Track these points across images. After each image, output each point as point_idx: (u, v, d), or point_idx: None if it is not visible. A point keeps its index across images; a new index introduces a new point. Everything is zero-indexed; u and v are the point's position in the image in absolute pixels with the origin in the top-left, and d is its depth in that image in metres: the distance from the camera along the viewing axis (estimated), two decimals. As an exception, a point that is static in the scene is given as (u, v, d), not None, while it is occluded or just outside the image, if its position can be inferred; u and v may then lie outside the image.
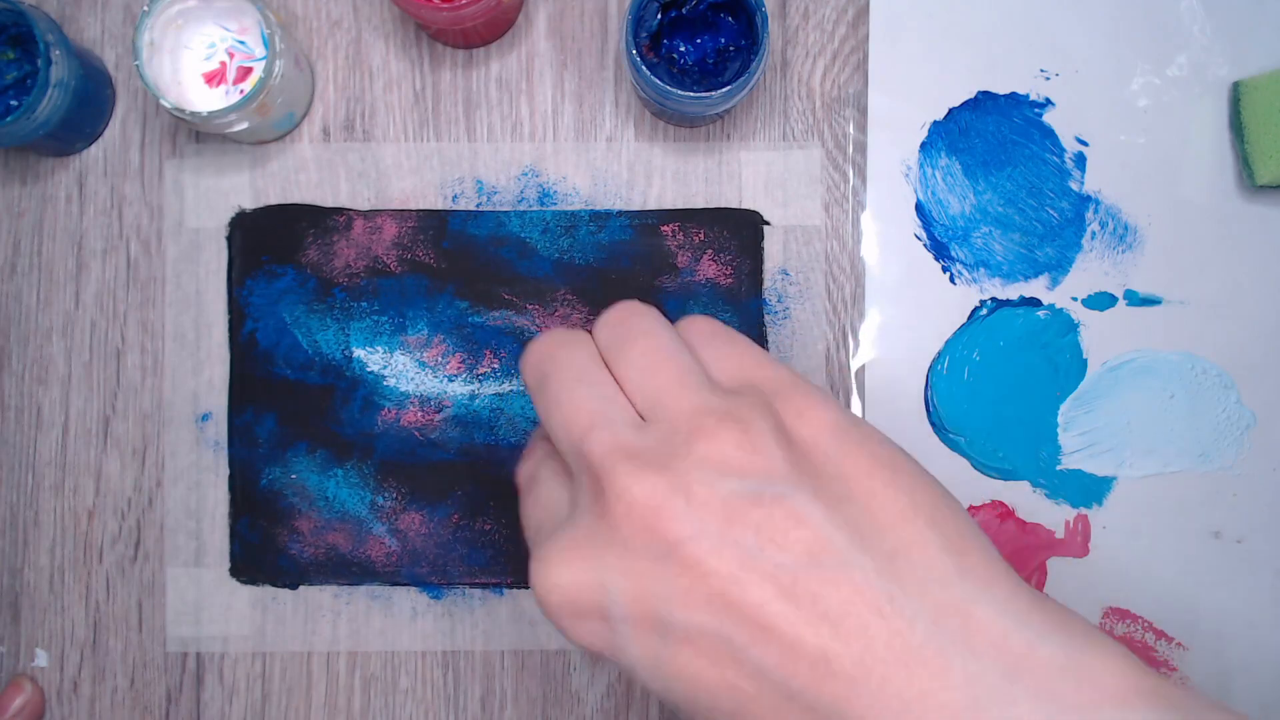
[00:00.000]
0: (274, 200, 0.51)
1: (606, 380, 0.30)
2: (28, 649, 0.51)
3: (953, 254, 0.50)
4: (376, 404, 0.50)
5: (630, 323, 0.31)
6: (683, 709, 0.27)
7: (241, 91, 0.47)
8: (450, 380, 0.51)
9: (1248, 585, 0.50)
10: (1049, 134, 0.50)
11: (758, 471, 0.27)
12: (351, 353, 0.51)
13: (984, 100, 0.50)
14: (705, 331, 0.32)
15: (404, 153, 0.51)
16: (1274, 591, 0.50)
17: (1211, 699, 0.26)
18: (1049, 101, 0.50)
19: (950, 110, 0.50)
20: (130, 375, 0.51)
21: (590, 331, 0.32)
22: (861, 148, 0.51)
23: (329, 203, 0.51)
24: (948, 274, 0.50)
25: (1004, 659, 0.25)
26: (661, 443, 0.28)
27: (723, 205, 0.51)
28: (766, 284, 0.51)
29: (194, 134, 0.51)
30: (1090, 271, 0.50)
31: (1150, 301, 0.50)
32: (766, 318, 0.51)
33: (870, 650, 0.25)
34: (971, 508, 0.50)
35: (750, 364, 0.31)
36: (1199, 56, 0.50)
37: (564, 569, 0.28)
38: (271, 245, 0.51)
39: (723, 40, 0.47)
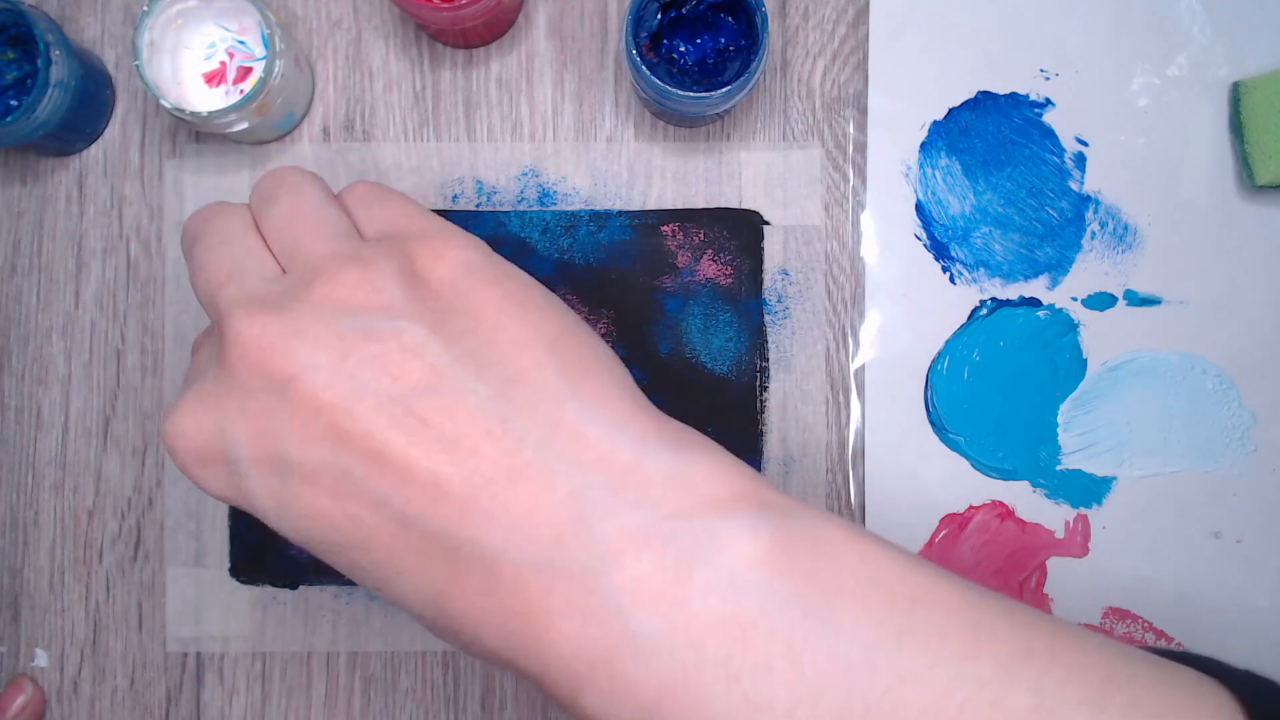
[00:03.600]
0: (274, 200, 0.51)
1: (253, 241, 0.31)
2: (28, 649, 0.51)
3: (953, 254, 0.50)
4: (376, 404, 0.50)
5: (279, 182, 0.32)
6: (317, 549, 0.27)
7: (241, 91, 0.47)
8: (450, 380, 0.51)
9: (1248, 585, 0.50)
10: (1049, 134, 0.50)
11: (375, 308, 0.27)
12: (351, 353, 0.51)
13: (984, 100, 0.50)
14: (362, 193, 0.32)
15: (404, 153, 0.51)
16: (1274, 591, 0.50)
17: (804, 502, 0.26)
18: (1049, 101, 0.50)
19: (950, 110, 0.50)
20: (130, 375, 0.51)
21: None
22: (861, 148, 0.51)
23: (329, 203, 0.51)
24: (948, 274, 0.51)
25: (609, 472, 0.25)
26: (285, 291, 0.28)
27: (723, 205, 0.51)
28: (766, 284, 0.51)
29: (194, 134, 0.51)
30: (1090, 271, 0.50)
31: (1150, 301, 0.50)
32: (766, 318, 0.51)
33: (480, 471, 0.25)
34: (971, 508, 0.50)
35: (399, 215, 0.31)
36: (1199, 56, 0.50)
37: (186, 417, 0.28)
38: (271, 245, 0.51)
39: (723, 40, 0.47)
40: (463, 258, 0.29)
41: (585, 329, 0.29)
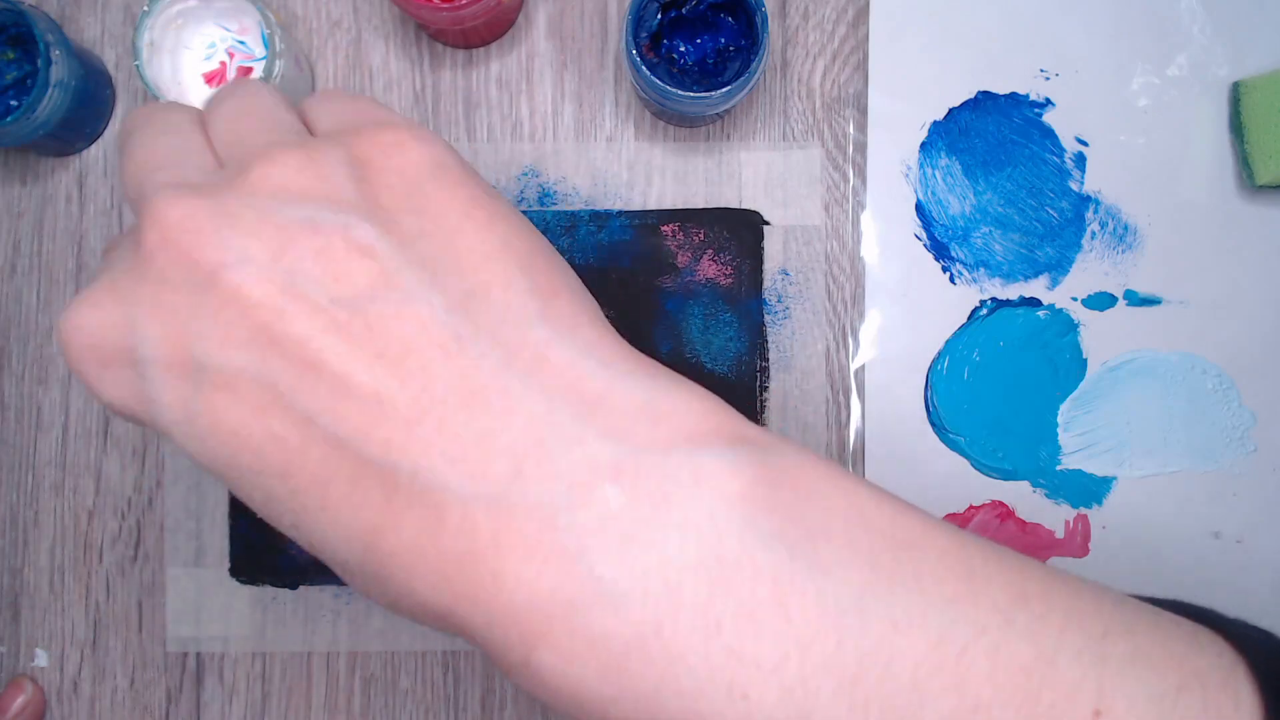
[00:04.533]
0: (274, 200, 0.51)
1: (197, 137, 0.27)
2: (28, 649, 0.51)
3: (953, 254, 0.50)
4: (376, 404, 0.50)
5: (233, 86, 0.28)
6: (228, 475, 0.24)
7: (241, 91, 0.47)
8: (450, 380, 0.51)
9: (1248, 585, 0.50)
10: (1049, 134, 0.50)
11: (320, 197, 0.23)
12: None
13: (984, 100, 0.51)
14: (321, 95, 0.29)
15: (404, 153, 0.51)
16: (1274, 591, 0.50)
17: (787, 438, 0.24)
18: (1049, 101, 0.50)
19: (950, 110, 0.50)
20: (130, 375, 0.51)
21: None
22: (861, 148, 0.51)
23: (329, 203, 0.51)
24: (948, 274, 0.51)
25: (577, 399, 0.23)
26: (222, 179, 0.25)
27: (723, 205, 0.51)
28: (766, 284, 0.51)
29: (194, 134, 0.51)
30: (1090, 271, 0.50)
31: (1150, 301, 0.50)
32: (766, 318, 0.51)
33: (429, 390, 0.22)
34: (971, 508, 0.50)
35: (359, 109, 0.27)
36: (1199, 56, 0.50)
37: (89, 309, 0.24)
38: (271, 245, 0.51)
39: (723, 40, 0.47)
40: (426, 152, 0.25)
41: (554, 250, 0.26)
